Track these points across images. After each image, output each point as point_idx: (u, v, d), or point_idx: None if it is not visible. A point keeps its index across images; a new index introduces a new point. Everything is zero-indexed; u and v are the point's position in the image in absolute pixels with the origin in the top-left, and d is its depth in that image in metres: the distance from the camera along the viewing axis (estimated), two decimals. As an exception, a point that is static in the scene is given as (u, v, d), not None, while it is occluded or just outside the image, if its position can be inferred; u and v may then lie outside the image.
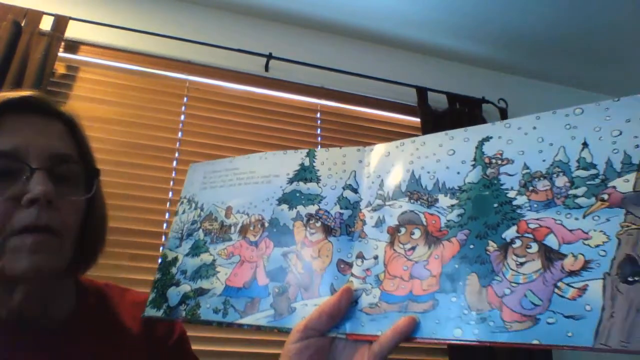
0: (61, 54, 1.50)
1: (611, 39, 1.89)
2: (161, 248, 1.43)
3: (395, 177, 0.49)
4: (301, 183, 0.55)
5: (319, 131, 1.76)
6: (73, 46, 1.56)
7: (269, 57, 1.71)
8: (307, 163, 0.56)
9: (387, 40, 1.96)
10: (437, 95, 1.84)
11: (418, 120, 1.81)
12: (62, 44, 1.49)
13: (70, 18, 1.49)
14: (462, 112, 1.83)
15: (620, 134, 0.38)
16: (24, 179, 0.47)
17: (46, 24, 1.46)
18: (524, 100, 1.99)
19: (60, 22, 1.48)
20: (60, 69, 1.52)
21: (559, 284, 0.36)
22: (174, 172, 1.53)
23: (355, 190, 0.51)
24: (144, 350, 0.57)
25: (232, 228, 0.57)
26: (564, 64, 2.07)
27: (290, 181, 0.55)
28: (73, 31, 1.51)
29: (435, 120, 1.78)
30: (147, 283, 1.38)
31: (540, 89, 2.15)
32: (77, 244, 0.53)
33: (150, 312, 0.56)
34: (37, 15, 1.46)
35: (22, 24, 1.44)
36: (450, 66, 2.05)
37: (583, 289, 0.35)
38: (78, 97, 1.52)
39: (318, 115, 1.78)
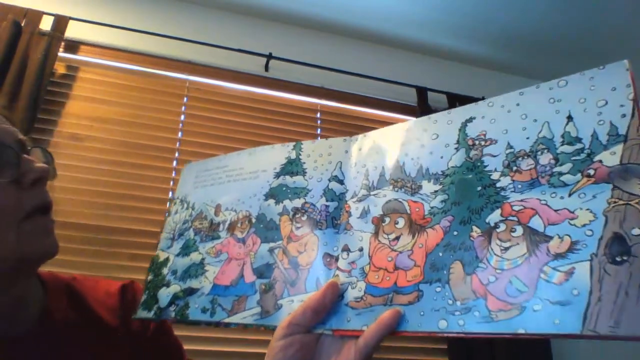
0: (61, 54, 1.50)
1: (611, 39, 1.88)
2: (161, 248, 1.43)
3: (380, 166, 0.48)
4: (287, 177, 0.54)
5: (319, 131, 1.76)
6: (73, 46, 1.56)
7: (269, 57, 1.71)
8: (293, 156, 0.55)
9: (387, 40, 1.96)
10: (437, 95, 1.83)
11: (418, 120, 1.81)
12: (62, 44, 1.49)
13: (70, 18, 1.50)
14: (463, 112, 1.83)
15: (606, 103, 0.36)
16: (14, 163, 0.46)
17: (46, 24, 1.47)
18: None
19: (60, 22, 1.48)
20: (60, 69, 1.52)
21: (545, 268, 0.34)
22: (174, 172, 1.52)
23: (341, 182, 0.50)
24: (124, 342, 0.55)
25: (221, 226, 0.56)
26: (564, 64, 2.06)
27: (277, 175, 0.55)
28: (73, 31, 1.51)
29: (435, 120, 1.78)
30: (147, 283, 1.38)
31: (541, 89, 2.15)
32: None
33: (142, 313, 0.55)
34: (37, 15, 1.46)
35: (22, 24, 1.44)
36: (450, 66, 2.05)
37: (570, 273, 0.33)
38: (78, 97, 1.52)
39: (318, 115, 1.78)
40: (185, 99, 1.63)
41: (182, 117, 1.60)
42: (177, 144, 1.57)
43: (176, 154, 1.55)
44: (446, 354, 1.50)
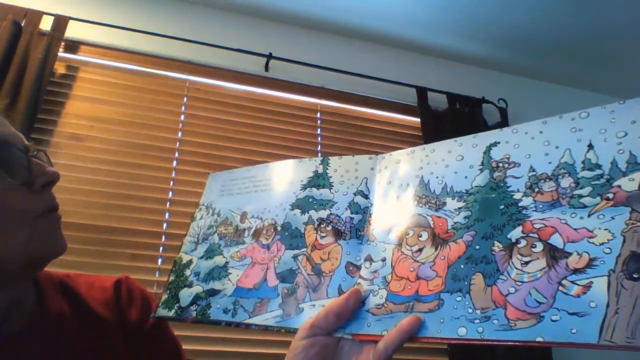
0: (61, 54, 1.50)
1: (611, 39, 1.89)
2: (161, 248, 1.43)
3: (405, 183, 0.51)
4: (314, 189, 0.57)
5: (319, 131, 1.76)
6: (73, 46, 1.56)
7: (269, 57, 1.71)
8: (320, 170, 0.58)
9: (387, 40, 1.96)
10: (437, 95, 1.84)
11: (418, 120, 1.81)
12: (62, 44, 1.49)
13: (70, 18, 1.49)
14: (462, 112, 1.83)
15: (626, 135, 0.39)
16: (25, 166, 0.48)
17: (46, 24, 1.46)
18: (524, 100, 2.00)
19: (60, 22, 1.48)
20: (60, 69, 1.52)
21: (564, 281, 0.36)
22: (174, 172, 1.52)
23: (366, 196, 0.53)
24: (119, 335, 0.56)
25: (246, 232, 0.59)
26: (564, 64, 2.07)
27: (304, 187, 0.58)
28: (73, 31, 1.51)
29: (435, 120, 1.79)
30: (147, 283, 1.39)
31: (540, 89, 2.16)
32: None
33: (162, 312, 0.57)
34: (37, 15, 1.46)
35: (22, 24, 1.43)
36: (450, 66, 2.06)
37: (587, 286, 0.35)
38: (78, 97, 1.51)
39: (318, 115, 1.78)
40: (185, 99, 1.63)
41: (182, 117, 1.60)
42: (177, 144, 1.57)
43: (176, 154, 1.55)
44: (446, 354, 1.50)
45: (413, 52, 2.02)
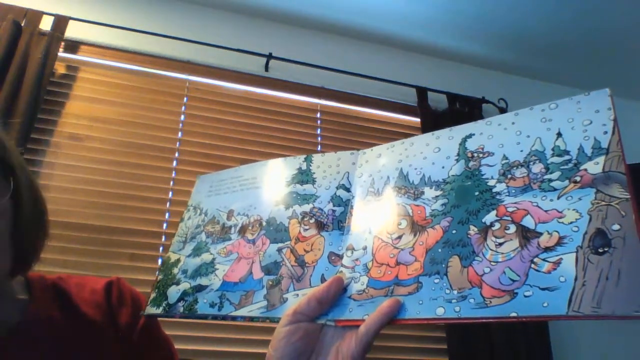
0: (61, 54, 1.51)
1: (611, 40, 1.89)
2: (161, 248, 1.43)
3: (385, 175, 0.53)
4: (298, 185, 0.59)
5: (319, 131, 1.76)
6: (73, 46, 1.56)
7: (269, 57, 1.71)
8: (304, 167, 0.60)
9: (387, 40, 1.96)
10: (437, 95, 1.84)
11: (418, 120, 1.81)
12: (62, 44, 1.50)
13: (70, 18, 1.50)
14: (462, 112, 1.83)
15: (591, 123, 0.42)
16: None
17: (46, 24, 1.47)
18: (524, 100, 1.98)
19: (60, 22, 1.48)
20: (60, 69, 1.53)
21: (535, 259, 0.38)
22: (174, 172, 1.53)
23: (347, 189, 0.55)
24: (110, 337, 0.56)
25: (232, 229, 0.60)
26: (564, 64, 2.07)
27: (288, 184, 0.59)
28: (73, 31, 1.52)
29: (435, 120, 1.78)
30: (147, 283, 1.39)
31: (540, 89, 2.15)
32: (15, 243, 0.50)
33: (150, 310, 0.58)
34: (37, 15, 1.47)
35: (22, 24, 1.44)
36: (450, 66, 2.06)
37: (557, 263, 0.37)
38: (78, 97, 1.52)
39: (318, 115, 1.78)
40: (185, 99, 1.63)
41: (182, 117, 1.61)
42: (177, 144, 1.57)
43: (176, 154, 1.55)
44: (446, 353, 1.50)
45: (413, 52, 2.02)
